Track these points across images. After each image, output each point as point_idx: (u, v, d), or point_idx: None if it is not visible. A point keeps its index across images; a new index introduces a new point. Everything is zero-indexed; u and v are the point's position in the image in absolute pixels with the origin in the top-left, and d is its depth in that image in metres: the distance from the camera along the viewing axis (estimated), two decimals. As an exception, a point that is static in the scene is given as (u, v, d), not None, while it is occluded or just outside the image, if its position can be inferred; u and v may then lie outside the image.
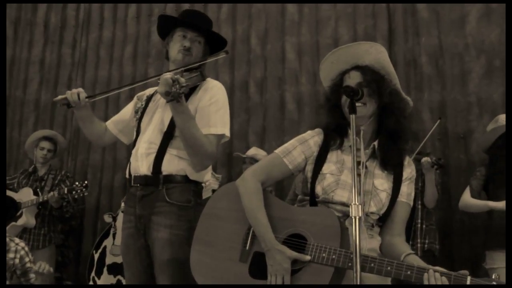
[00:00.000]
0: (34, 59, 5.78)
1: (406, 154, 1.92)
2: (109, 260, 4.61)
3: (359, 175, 1.79)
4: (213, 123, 2.21)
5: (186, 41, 2.31)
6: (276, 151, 1.96)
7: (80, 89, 2.34)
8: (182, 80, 1.97)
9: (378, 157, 1.87)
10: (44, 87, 5.70)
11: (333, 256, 1.63)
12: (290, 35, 4.90)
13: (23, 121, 5.63)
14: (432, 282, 1.50)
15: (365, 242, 1.75)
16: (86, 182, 3.93)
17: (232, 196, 1.92)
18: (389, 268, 1.57)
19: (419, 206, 3.65)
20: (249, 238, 1.83)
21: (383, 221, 1.86)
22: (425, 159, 3.46)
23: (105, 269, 4.61)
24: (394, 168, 1.87)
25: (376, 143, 1.87)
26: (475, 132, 4.14)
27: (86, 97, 2.35)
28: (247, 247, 1.83)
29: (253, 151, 4.37)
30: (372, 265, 1.59)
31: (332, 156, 1.89)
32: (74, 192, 3.84)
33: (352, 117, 1.67)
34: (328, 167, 1.86)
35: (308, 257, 1.68)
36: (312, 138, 1.95)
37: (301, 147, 1.93)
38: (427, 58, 4.40)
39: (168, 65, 2.44)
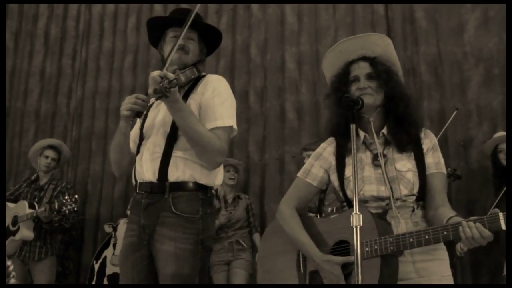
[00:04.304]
0: (34, 70, 5.80)
1: (420, 129, 1.91)
2: (109, 270, 4.61)
3: (379, 166, 1.83)
4: (219, 115, 2.11)
5: (179, 39, 2.20)
6: (298, 174, 2.02)
7: (134, 95, 2.11)
8: (171, 75, 1.89)
9: (391, 142, 1.88)
10: (44, 97, 5.72)
11: (375, 247, 1.67)
12: (289, 45, 4.92)
13: (23, 131, 5.64)
14: (468, 232, 1.51)
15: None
16: (76, 196, 3.91)
17: (277, 232, 2.00)
18: (426, 236, 1.59)
19: None
20: (301, 261, 1.91)
21: (423, 199, 1.85)
22: None
23: (105, 279, 4.60)
24: (411, 145, 1.87)
25: (384, 130, 1.89)
26: (474, 140, 4.15)
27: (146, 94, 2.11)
28: (302, 270, 1.90)
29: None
30: (411, 240, 1.62)
31: (350, 159, 1.90)
32: (64, 208, 3.83)
33: (352, 126, 1.68)
34: (350, 170, 1.87)
35: (353, 257, 1.71)
36: (325, 150, 1.99)
37: (318, 162, 1.98)
38: (426, 67, 4.42)
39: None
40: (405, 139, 1.85)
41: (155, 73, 1.93)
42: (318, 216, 3.55)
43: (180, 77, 2.05)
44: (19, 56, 5.90)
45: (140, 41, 5.50)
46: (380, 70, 1.87)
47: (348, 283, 1.72)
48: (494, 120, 4.12)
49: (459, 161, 4.15)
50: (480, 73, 4.23)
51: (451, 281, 1.79)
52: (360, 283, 1.51)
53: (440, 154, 1.89)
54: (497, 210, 1.52)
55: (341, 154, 1.93)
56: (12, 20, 5.94)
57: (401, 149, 1.86)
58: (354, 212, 1.55)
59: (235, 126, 2.17)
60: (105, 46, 5.66)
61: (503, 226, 1.47)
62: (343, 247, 1.79)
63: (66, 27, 5.85)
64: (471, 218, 1.55)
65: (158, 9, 5.47)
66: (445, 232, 1.56)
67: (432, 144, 1.88)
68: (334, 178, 1.94)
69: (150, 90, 1.94)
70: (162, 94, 1.86)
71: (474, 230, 1.50)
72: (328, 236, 1.85)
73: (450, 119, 3.94)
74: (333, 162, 1.94)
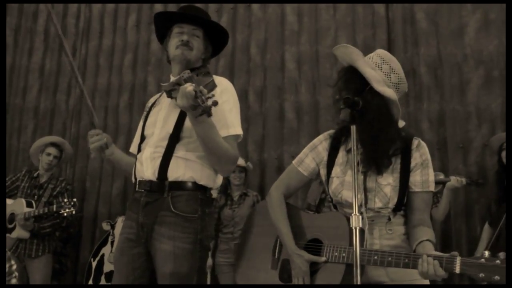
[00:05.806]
0: (33, 66, 5.80)
1: (411, 140, 1.86)
2: (107, 268, 4.61)
3: (360, 172, 1.85)
4: (231, 123, 2.15)
5: (183, 35, 2.20)
6: (293, 162, 2.09)
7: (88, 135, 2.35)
8: (205, 90, 1.81)
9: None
10: (43, 94, 5.72)
11: (343, 254, 1.75)
12: (289, 45, 4.92)
13: (22, 128, 5.64)
14: (425, 266, 1.58)
15: (383, 240, 1.82)
16: (74, 200, 3.92)
17: (263, 213, 2.11)
18: (390, 259, 1.67)
19: None
20: (277, 247, 2.02)
21: (401, 210, 1.86)
22: (459, 180, 3.52)
23: (102, 277, 4.60)
24: (397, 159, 1.84)
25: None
26: (474, 142, 4.15)
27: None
28: (276, 256, 2.01)
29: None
30: (376, 257, 1.69)
31: (339, 158, 1.94)
32: (62, 211, 3.85)
33: (353, 128, 1.68)
34: (335, 171, 1.93)
35: (323, 258, 1.81)
36: (321, 144, 2.03)
37: (312, 154, 2.03)
38: (426, 68, 4.42)
39: (170, 69, 2.31)
40: (385, 160, 1.81)
41: (190, 88, 1.80)
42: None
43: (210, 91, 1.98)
44: (18, 52, 5.89)
45: (140, 39, 5.50)
46: (337, 81, 1.90)
47: (312, 281, 1.82)
48: (493, 123, 4.12)
49: (458, 163, 4.16)
50: (479, 75, 4.24)
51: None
52: (358, 283, 1.52)
53: (430, 171, 1.85)
54: (456, 253, 1.57)
55: (332, 152, 1.97)
56: (12, 16, 5.93)
57: (380, 168, 1.82)
58: (354, 213, 1.57)
59: (241, 135, 2.22)
60: (104, 44, 5.65)
61: (457, 271, 1.54)
62: (315, 245, 1.88)
63: (66, 24, 5.84)
64: (433, 253, 1.62)
65: (159, 8, 5.46)
66: (406, 260, 1.64)
67: (422, 159, 1.84)
68: (322, 173, 2.00)
69: (184, 103, 1.84)
70: (205, 112, 1.78)
71: (430, 267, 1.57)
72: (307, 231, 1.95)
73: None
74: (325, 158, 1.99)
